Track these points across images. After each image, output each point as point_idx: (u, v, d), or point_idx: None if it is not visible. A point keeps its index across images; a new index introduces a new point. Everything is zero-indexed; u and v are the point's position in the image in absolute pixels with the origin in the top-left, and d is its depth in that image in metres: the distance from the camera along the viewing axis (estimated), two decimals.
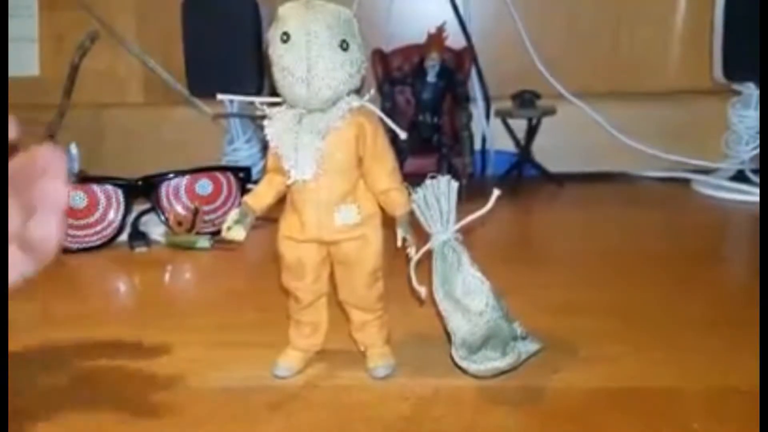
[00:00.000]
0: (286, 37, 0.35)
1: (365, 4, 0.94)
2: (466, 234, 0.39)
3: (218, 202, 0.72)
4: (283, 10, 0.36)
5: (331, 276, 0.40)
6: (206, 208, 0.71)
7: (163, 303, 0.55)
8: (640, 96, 0.93)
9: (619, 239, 0.68)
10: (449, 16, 0.91)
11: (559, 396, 0.37)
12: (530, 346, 0.40)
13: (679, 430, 0.34)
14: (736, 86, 0.84)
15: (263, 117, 0.38)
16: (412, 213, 0.39)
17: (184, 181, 0.71)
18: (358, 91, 0.37)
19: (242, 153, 0.90)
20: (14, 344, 0.45)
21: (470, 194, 0.71)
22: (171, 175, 0.70)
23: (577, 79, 0.91)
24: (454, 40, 0.85)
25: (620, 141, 0.88)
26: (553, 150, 0.90)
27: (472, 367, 0.38)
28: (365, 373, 0.40)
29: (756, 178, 0.82)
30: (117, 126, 0.98)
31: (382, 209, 0.39)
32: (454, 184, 0.39)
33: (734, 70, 0.82)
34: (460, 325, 0.37)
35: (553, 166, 0.89)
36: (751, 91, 0.82)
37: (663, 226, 0.72)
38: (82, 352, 0.45)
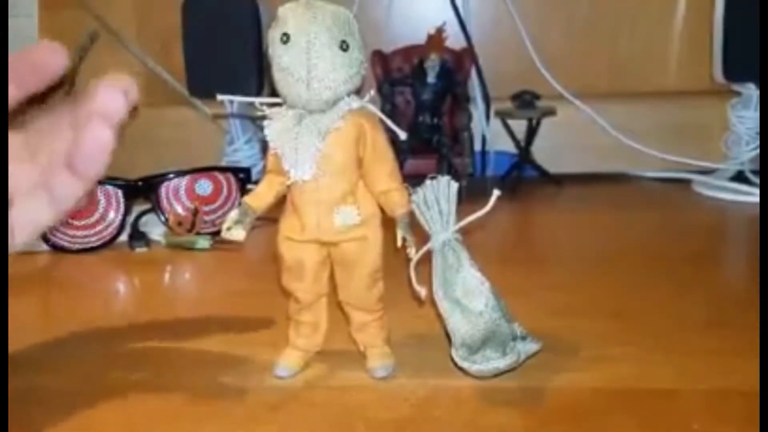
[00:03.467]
0: (285, 38, 0.35)
1: (365, 4, 0.94)
2: (466, 234, 0.39)
3: (218, 203, 0.72)
4: (282, 10, 0.36)
5: (331, 277, 0.40)
6: (206, 208, 0.71)
7: (163, 303, 0.55)
8: (640, 96, 0.93)
9: (618, 240, 0.68)
10: (449, 16, 0.91)
11: (559, 396, 0.37)
12: (530, 347, 0.40)
13: (679, 431, 0.34)
14: (736, 87, 0.84)
15: (263, 117, 0.38)
16: (411, 213, 0.39)
17: (184, 181, 0.71)
18: (358, 92, 0.37)
19: (242, 153, 0.90)
20: (14, 344, 0.45)
21: (470, 195, 0.71)
22: (171, 176, 0.70)
23: (577, 79, 0.91)
24: (454, 40, 0.85)
25: (620, 141, 0.88)
26: (553, 150, 0.90)
27: (473, 367, 0.38)
28: (365, 374, 0.40)
29: (756, 179, 0.82)
30: None
31: (382, 210, 0.39)
32: (454, 185, 0.39)
33: (734, 70, 0.82)
34: (459, 326, 0.37)
35: (552, 167, 0.89)
36: (751, 91, 0.82)
37: (663, 226, 0.72)
38: (82, 353, 0.45)
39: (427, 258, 0.39)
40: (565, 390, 0.38)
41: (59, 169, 0.31)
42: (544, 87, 0.89)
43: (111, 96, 0.30)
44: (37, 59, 0.30)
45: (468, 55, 0.86)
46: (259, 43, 0.87)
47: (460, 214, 0.39)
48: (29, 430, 0.36)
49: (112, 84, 0.31)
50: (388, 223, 0.39)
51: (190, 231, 0.68)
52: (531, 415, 0.36)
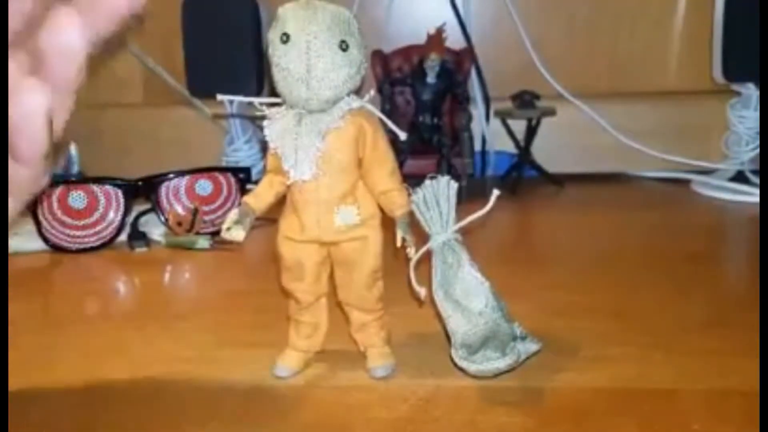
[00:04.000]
0: (285, 38, 0.35)
1: (365, 4, 0.94)
2: (466, 234, 0.39)
3: (218, 203, 0.72)
4: (282, 10, 0.36)
5: (331, 277, 0.40)
6: (206, 208, 0.71)
7: (163, 303, 0.55)
8: (640, 96, 0.93)
9: (618, 240, 0.68)
10: (449, 16, 0.91)
11: (559, 396, 0.37)
12: (530, 347, 0.40)
13: (679, 431, 0.34)
14: (736, 86, 0.84)
15: (263, 117, 0.38)
16: (411, 214, 0.39)
17: (183, 181, 0.71)
18: (358, 92, 0.37)
19: (242, 153, 0.90)
20: (14, 344, 0.45)
21: (470, 195, 0.71)
22: (171, 176, 0.70)
23: (577, 79, 0.91)
24: (454, 40, 0.85)
25: (620, 141, 0.88)
26: (553, 150, 0.90)
27: (472, 367, 0.38)
28: (365, 374, 0.40)
29: (756, 179, 0.82)
30: (116, 126, 0.98)
31: (382, 210, 0.39)
32: (454, 185, 0.39)
33: (734, 70, 0.82)
34: (459, 326, 0.37)
35: (552, 167, 0.89)
36: (751, 91, 0.82)
37: (663, 226, 0.72)
38: (82, 353, 0.45)
39: (427, 258, 0.39)
40: (565, 390, 0.38)
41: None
42: (544, 87, 0.89)
43: (64, 38, 0.23)
44: None
45: (468, 55, 0.86)
46: (259, 43, 0.87)
47: (460, 214, 0.39)
48: (29, 430, 0.36)
49: (67, 17, 0.23)
50: (388, 223, 0.39)
51: (190, 231, 0.68)
52: (531, 415, 0.36)
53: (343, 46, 0.35)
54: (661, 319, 0.47)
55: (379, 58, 0.84)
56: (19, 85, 0.23)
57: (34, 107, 0.23)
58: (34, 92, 0.23)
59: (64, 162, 0.85)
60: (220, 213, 0.71)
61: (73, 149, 0.85)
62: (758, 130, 0.83)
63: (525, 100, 0.86)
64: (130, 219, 0.69)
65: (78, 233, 0.67)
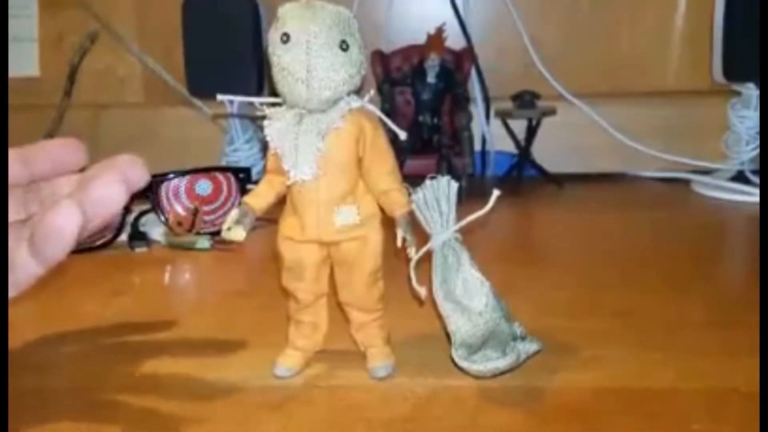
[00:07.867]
0: (285, 38, 0.35)
1: (365, 4, 0.94)
2: (466, 234, 0.39)
3: (218, 203, 0.72)
4: (282, 10, 0.36)
5: (331, 277, 0.40)
6: (206, 208, 0.71)
7: (163, 303, 0.55)
8: (640, 96, 0.93)
9: (618, 240, 0.68)
10: (449, 16, 0.91)
11: (559, 396, 0.37)
12: (530, 347, 0.40)
13: (679, 431, 0.34)
14: (736, 86, 0.84)
15: (263, 117, 0.38)
16: (412, 213, 0.39)
17: (183, 181, 0.71)
18: (358, 92, 0.37)
19: (242, 153, 0.90)
20: (14, 344, 0.45)
21: (470, 195, 0.71)
22: (171, 176, 0.70)
23: (577, 79, 0.92)
24: (454, 40, 0.85)
25: (620, 141, 0.88)
26: (553, 150, 0.90)
27: (472, 367, 0.38)
28: (365, 373, 0.40)
29: (756, 179, 0.82)
30: (116, 126, 0.98)
31: (382, 210, 0.39)
32: (454, 185, 0.39)
33: (734, 70, 0.82)
34: (460, 326, 0.37)
35: (553, 167, 0.89)
36: (751, 91, 0.82)
37: (663, 226, 0.72)
38: (82, 353, 0.45)
39: (427, 258, 0.39)
40: (565, 390, 0.38)
41: (22, 242, 0.30)
42: (544, 87, 0.89)
43: (108, 192, 0.30)
44: (56, 156, 0.29)
45: (468, 55, 0.86)
46: (259, 43, 0.87)
47: (460, 214, 0.39)
48: (29, 430, 0.36)
49: (114, 179, 0.30)
50: (388, 223, 0.39)
51: (190, 231, 0.68)
52: (531, 414, 0.36)
53: (343, 46, 0.35)
54: (661, 319, 0.47)
55: (379, 58, 0.84)
56: (66, 203, 0.29)
57: (70, 228, 0.29)
58: (75, 215, 0.29)
59: None
60: (220, 213, 0.71)
61: None
62: (758, 130, 0.83)
63: (525, 100, 0.86)
64: (130, 219, 0.69)
65: None
